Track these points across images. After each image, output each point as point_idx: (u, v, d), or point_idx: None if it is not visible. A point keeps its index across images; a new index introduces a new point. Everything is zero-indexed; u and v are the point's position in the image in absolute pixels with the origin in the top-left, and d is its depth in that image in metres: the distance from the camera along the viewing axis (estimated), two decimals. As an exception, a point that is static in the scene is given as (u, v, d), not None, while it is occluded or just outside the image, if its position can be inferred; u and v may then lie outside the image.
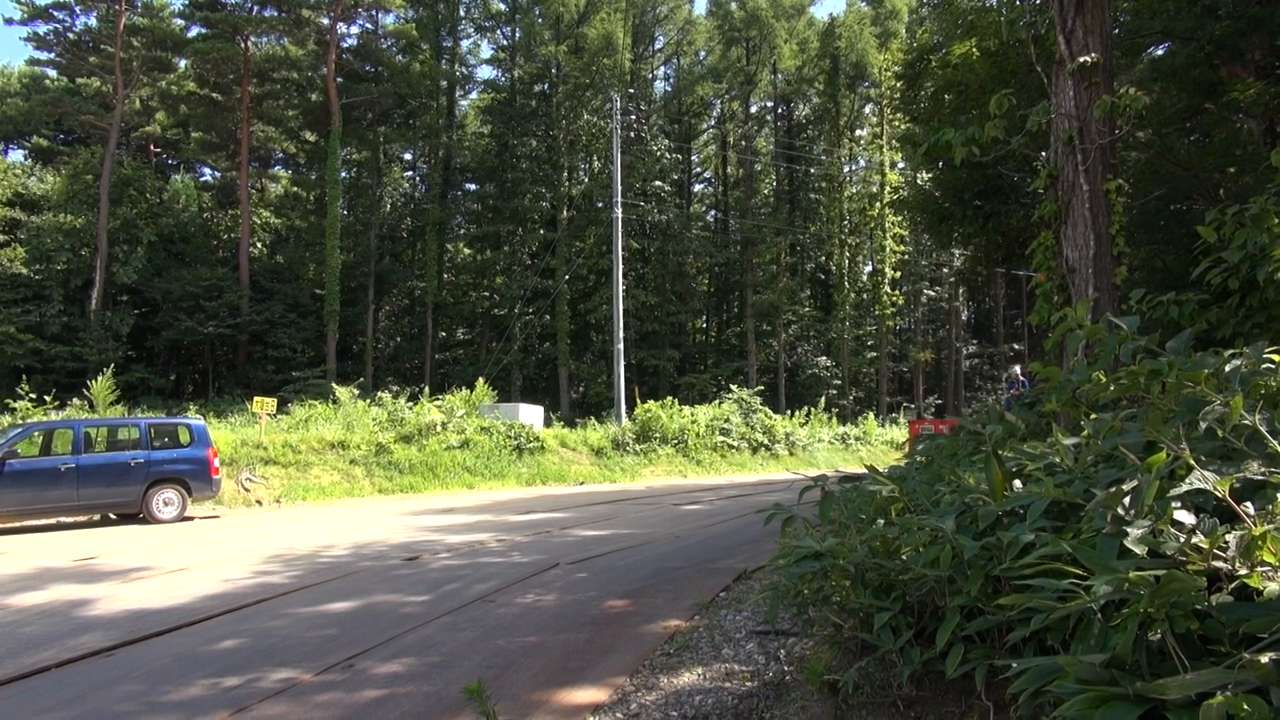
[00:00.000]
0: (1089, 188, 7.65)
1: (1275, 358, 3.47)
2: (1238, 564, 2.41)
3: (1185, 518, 2.65)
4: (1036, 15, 10.92)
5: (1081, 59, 7.70)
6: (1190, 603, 2.36)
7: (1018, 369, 23.22)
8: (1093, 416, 4.17)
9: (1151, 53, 13.91)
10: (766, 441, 32.10)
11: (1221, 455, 3.05)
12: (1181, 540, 2.54)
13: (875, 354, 52.81)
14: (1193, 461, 2.74)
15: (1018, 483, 3.91)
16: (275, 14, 42.13)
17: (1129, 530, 2.66)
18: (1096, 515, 2.93)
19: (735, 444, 30.85)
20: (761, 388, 38.55)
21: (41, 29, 39.94)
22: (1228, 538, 2.46)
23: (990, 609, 3.35)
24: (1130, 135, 9.55)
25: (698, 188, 61.35)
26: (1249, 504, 2.57)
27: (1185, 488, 2.68)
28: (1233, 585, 2.41)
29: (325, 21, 42.79)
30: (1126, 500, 2.85)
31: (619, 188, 33.72)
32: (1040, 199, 8.56)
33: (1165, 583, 2.35)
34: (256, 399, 22.02)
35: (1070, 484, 3.44)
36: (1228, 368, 3.34)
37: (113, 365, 26.48)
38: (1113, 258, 7.72)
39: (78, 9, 39.75)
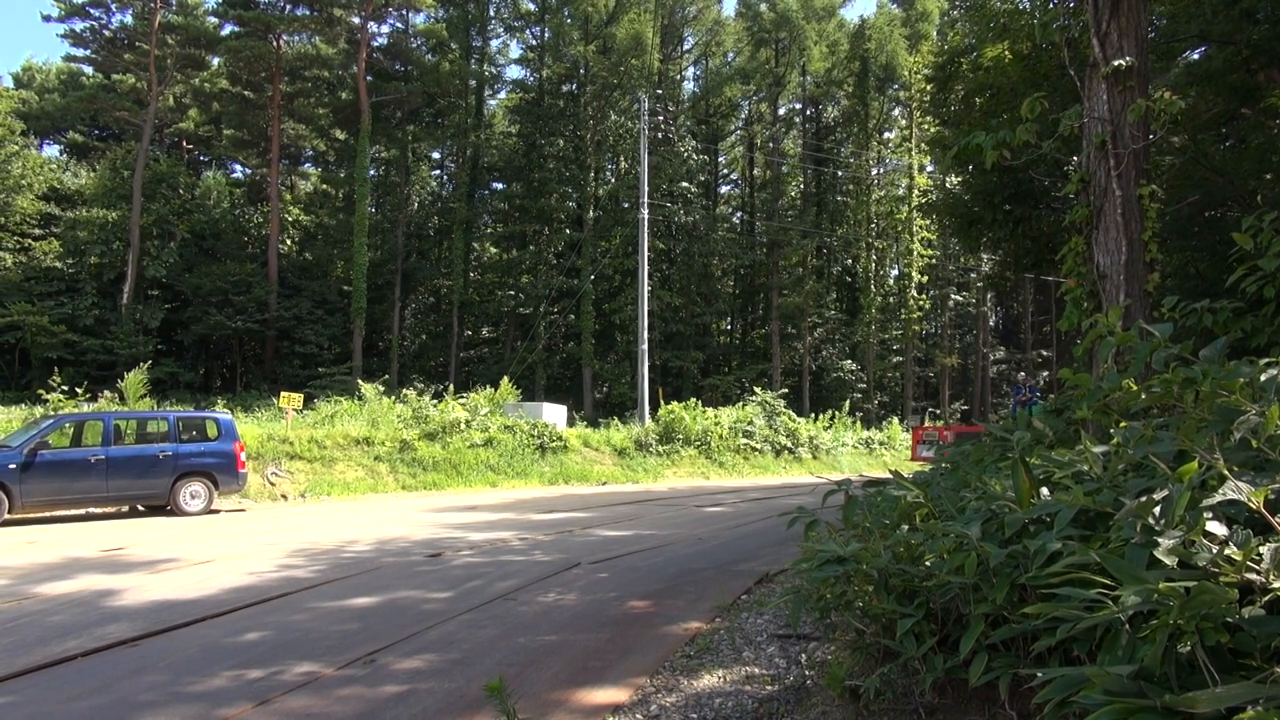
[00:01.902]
0: (1121, 193, 7.55)
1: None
2: (1271, 577, 2.37)
3: (1217, 529, 2.60)
4: (1070, 18, 10.81)
5: (1116, 62, 7.60)
6: (1221, 615, 2.32)
7: (1023, 375, 23.13)
8: (1123, 425, 4.12)
9: (1187, 57, 13.72)
10: (790, 444, 31.98)
11: (1255, 466, 3.00)
12: (1213, 551, 2.50)
13: (901, 358, 52.49)
14: (1226, 472, 2.69)
15: (1045, 490, 3.87)
16: (307, 13, 42.56)
17: (1159, 540, 2.62)
18: (1126, 525, 2.89)
19: (758, 446, 30.76)
20: (786, 390, 38.45)
21: (78, 26, 40.65)
22: (1261, 550, 2.42)
23: (1015, 617, 3.31)
24: (1164, 140, 9.43)
25: (724, 189, 61.26)
26: (1284, 516, 2.52)
27: (1218, 498, 2.63)
28: (1266, 598, 2.37)
29: (356, 20, 43.16)
30: (1157, 510, 2.81)
31: (645, 188, 33.71)
32: (1071, 204, 8.47)
33: (1196, 594, 2.31)
34: (283, 394, 22.21)
35: (1099, 492, 3.39)
36: (1263, 377, 3.28)
37: (148, 362, 26.67)
38: (1145, 264, 7.62)
39: (113, 6, 40.41)
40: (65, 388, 19.84)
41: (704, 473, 27.72)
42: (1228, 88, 12.22)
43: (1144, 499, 2.87)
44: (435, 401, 25.03)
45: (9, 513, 13.48)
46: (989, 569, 3.49)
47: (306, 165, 54.28)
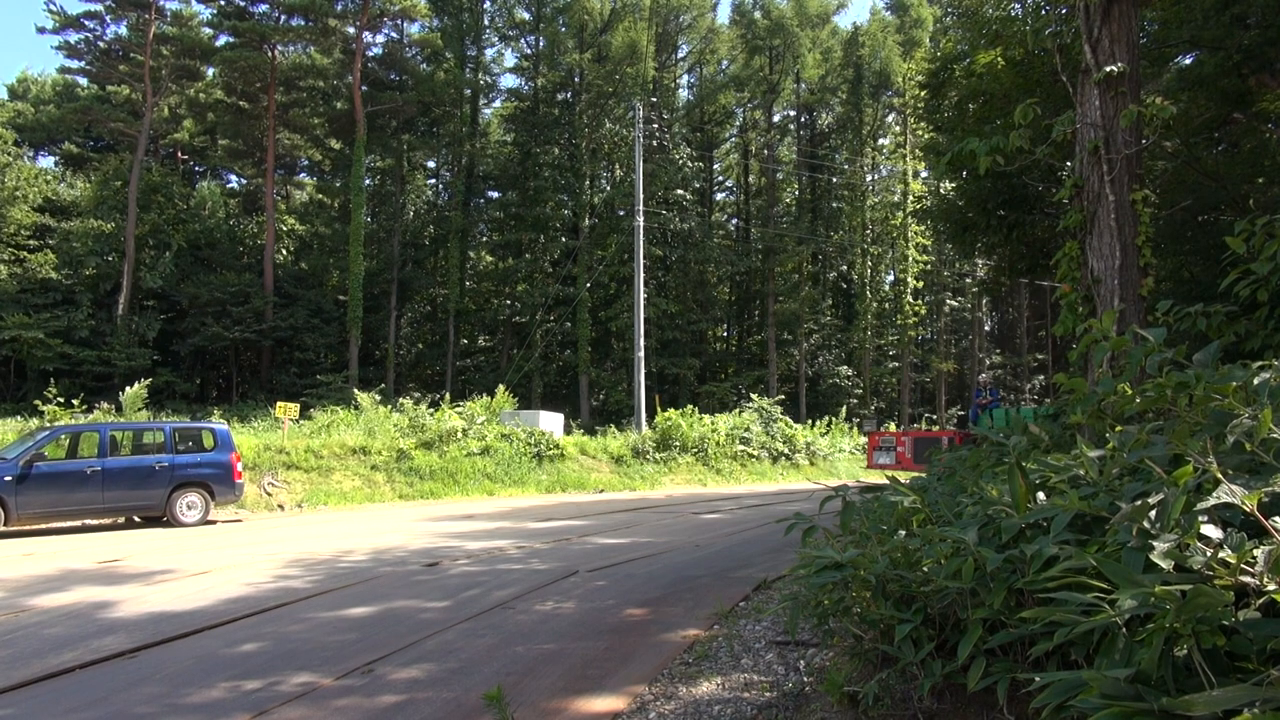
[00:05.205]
0: (1115, 198, 7.58)
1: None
2: (1266, 579, 2.38)
3: (1212, 532, 2.61)
4: (1062, 24, 10.86)
5: (1108, 68, 7.64)
6: (1217, 618, 2.33)
7: (984, 378, 23.24)
8: (1118, 429, 4.13)
9: (1179, 62, 13.78)
10: (787, 451, 31.99)
11: (1249, 469, 3.01)
12: (1208, 555, 2.51)
13: (897, 364, 52.54)
14: (1220, 475, 2.70)
15: (1041, 495, 3.88)
16: (302, 23, 42.59)
17: (1155, 544, 2.62)
18: (1121, 529, 2.90)
19: (755, 453, 30.76)
20: (782, 397, 38.46)
21: (73, 38, 40.60)
22: (1256, 553, 2.43)
23: (1013, 622, 3.32)
24: (1157, 145, 9.46)
25: (720, 196, 61.35)
26: (1278, 519, 2.53)
27: (1212, 501, 2.65)
28: (1261, 601, 2.38)
29: (351, 30, 43.21)
30: (1152, 514, 2.82)
31: (641, 196, 33.77)
32: (1065, 209, 8.50)
33: (1191, 598, 2.32)
34: (279, 404, 22.18)
35: (1095, 497, 3.40)
36: (1256, 380, 3.29)
37: (148, 379, 26.53)
38: (1139, 269, 7.65)
39: (108, 18, 40.40)
40: (61, 399, 19.83)
41: (701, 480, 27.71)
42: (1219, 93, 12.28)
43: (1139, 503, 2.88)
44: (432, 410, 25.00)
45: (4, 525, 13.44)
46: (986, 574, 3.50)
47: (302, 175, 54.28)
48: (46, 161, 51.02)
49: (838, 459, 33.64)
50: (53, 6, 39.28)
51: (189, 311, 39.35)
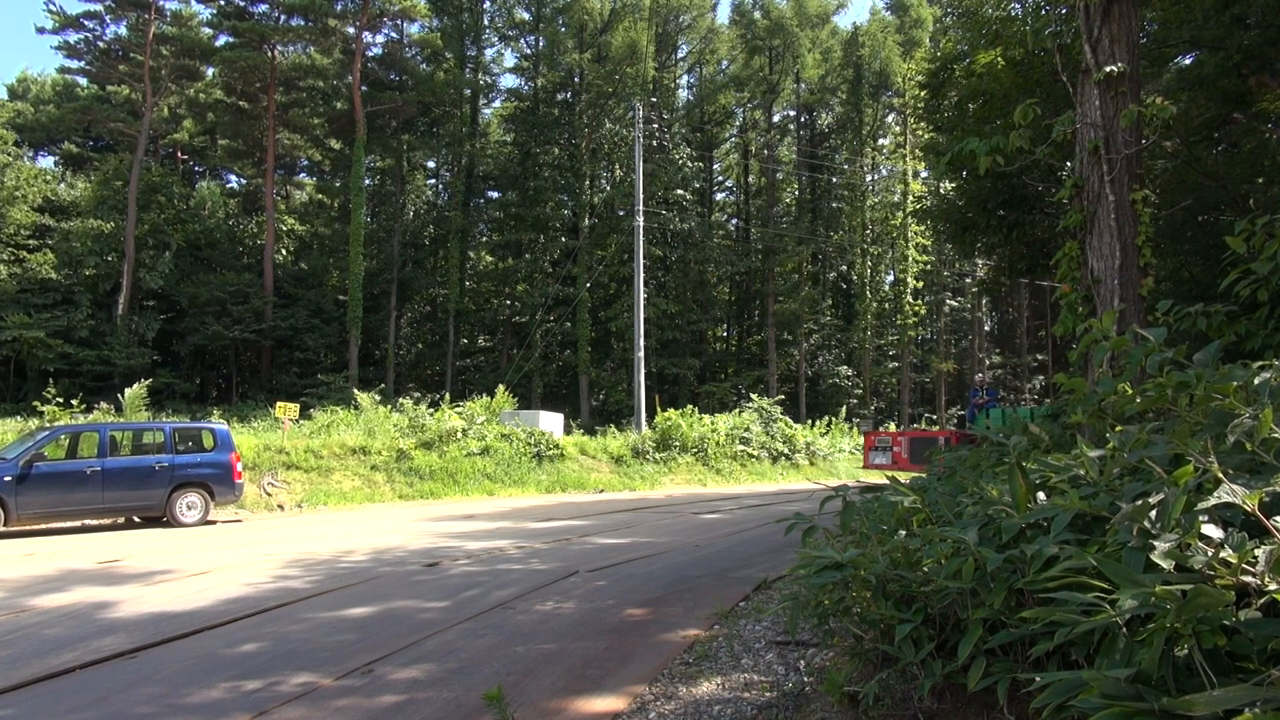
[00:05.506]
0: (1115, 198, 7.58)
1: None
2: (1267, 579, 2.37)
3: (1213, 532, 2.61)
4: (1062, 24, 10.87)
5: (1108, 68, 7.64)
6: (1218, 618, 2.33)
7: (980, 377, 23.18)
8: (1118, 429, 4.13)
9: (1179, 62, 13.79)
10: (787, 451, 31.99)
11: (1250, 469, 3.01)
12: (1209, 554, 2.51)
13: (897, 364, 52.54)
14: (1221, 475, 2.70)
15: (1042, 495, 3.88)
16: (302, 23, 42.61)
17: (1155, 544, 2.62)
18: (1122, 528, 2.90)
19: (755, 453, 30.75)
20: (782, 397, 38.47)
21: (72, 38, 40.63)
22: (1257, 552, 2.43)
23: (1013, 622, 3.31)
24: (1157, 145, 9.47)
25: (719, 196, 61.34)
26: (1279, 518, 2.53)
27: (1213, 501, 2.64)
28: (1262, 601, 2.38)
29: (351, 30, 43.23)
30: (1153, 513, 2.82)
31: (641, 196, 33.76)
32: (1065, 209, 8.50)
33: (1192, 598, 2.32)
34: (279, 404, 22.17)
35: (1095, 497, 3.40)
36: (1256, 380, 3.29)
37: (147, 379, 26.57)
38: (1139, 268, 7.65)
39: (108, 18, 40.43)
40: (61, 399, 19.82)
41: (701, 480, 27.70)
42: (1219, 93, 12.28)
43: (1140, 503, 2.88)
44: (431, 410, 24.99)
45: (4, 525, 13.44)
46: (986, 574, 3.49)
47: (301, 175, 54.30)
48: (46, 161, 51.10)
49: (837, 459, 33.65)
50: (53, 6, 39.32)
51: (189, 311, 39.34)
